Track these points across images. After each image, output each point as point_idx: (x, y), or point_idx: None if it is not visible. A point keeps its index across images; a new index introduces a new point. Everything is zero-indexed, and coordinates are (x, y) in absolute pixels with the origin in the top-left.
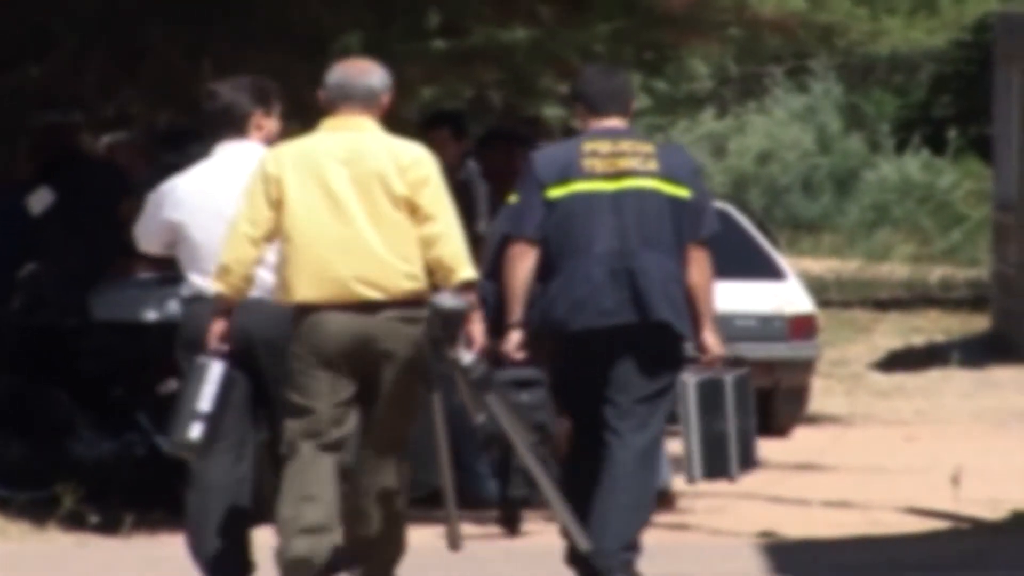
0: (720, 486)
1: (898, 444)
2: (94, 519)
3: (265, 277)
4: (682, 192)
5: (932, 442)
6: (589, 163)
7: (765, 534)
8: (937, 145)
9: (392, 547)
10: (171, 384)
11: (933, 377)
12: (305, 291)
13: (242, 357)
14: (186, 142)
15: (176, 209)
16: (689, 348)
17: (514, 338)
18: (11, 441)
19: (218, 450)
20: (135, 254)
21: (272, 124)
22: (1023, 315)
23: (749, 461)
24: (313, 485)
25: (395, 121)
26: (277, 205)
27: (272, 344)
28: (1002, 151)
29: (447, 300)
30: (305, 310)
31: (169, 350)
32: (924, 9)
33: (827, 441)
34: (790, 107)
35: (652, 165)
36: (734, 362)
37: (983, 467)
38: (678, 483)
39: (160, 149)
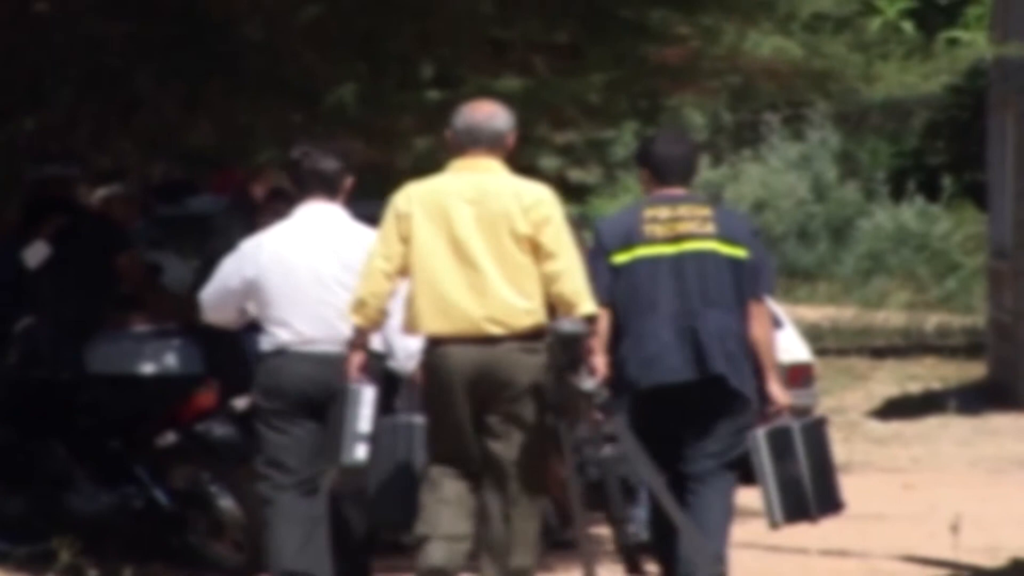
0: None
1: (896, 492)
2: (92, 572)
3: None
4: (740, 252)
5: (930, 490)
6: (650, 229)
7: None
8: (932, 192)
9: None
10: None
11: (930, 424)
12: (431, 324)
13: (322, 406)
14: (181, 194)
15: (257, 266)
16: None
17: (603, 394)
18: (8, 495)
19: (290, 488)
20: (131, 307)
21: (350, 186)
22: (1020, 362)
23: (829, 502)
24: (448, 495)
25: (389, 172)
26: (406, 240)
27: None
28: (996, 198)
29: (566, 324)
30: (433, 343)
31: (164, 402)
32: (918, 54)
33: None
34: (785, 155)
35: (710, 228)
36: (802, 412)
37: (981, 514)
38: None
39: (155, 201)
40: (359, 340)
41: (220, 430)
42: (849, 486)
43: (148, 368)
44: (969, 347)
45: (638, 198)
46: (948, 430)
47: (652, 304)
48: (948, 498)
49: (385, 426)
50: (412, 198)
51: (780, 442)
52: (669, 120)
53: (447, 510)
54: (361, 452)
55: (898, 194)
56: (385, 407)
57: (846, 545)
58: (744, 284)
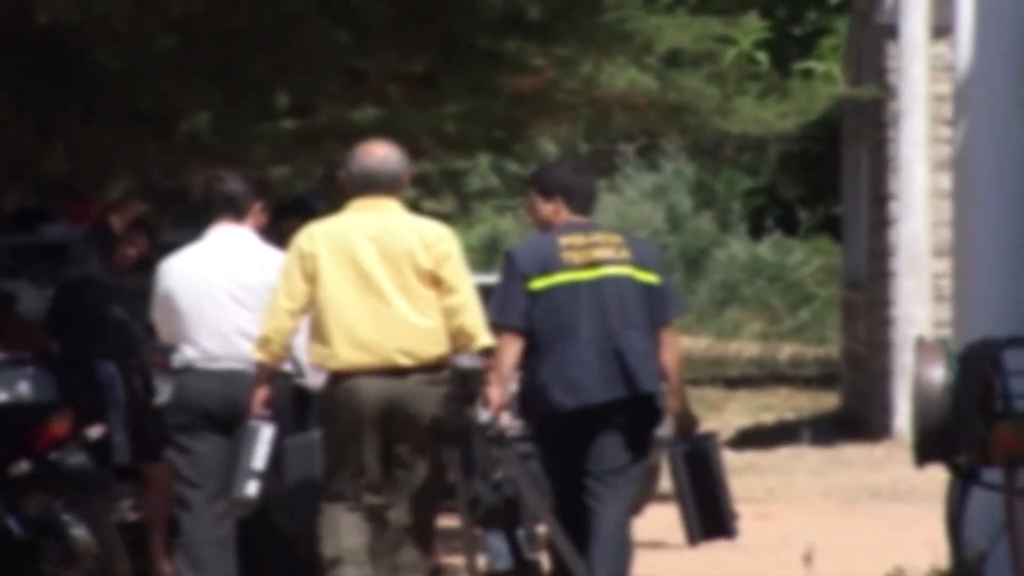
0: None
1: (750, 522)
2: None
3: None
4: (651, 278)
5: (784, 519)
6: (567, 256)
7: None
8: (789, 227)
9: None
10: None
11: (784, 455)
12: (345, 358)
13: (227, 423)
14: (35, 222)
15: (167, 285)
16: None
17: (505, 418)
18: None
19: (196, 505)
20: None
21: (262, 216)
22: (873, 393)
23: (731, 522)
24: (348, 549)
25: None
26: (312, 279)
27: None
28: (851, 229)
29: (466, 361)
30: (340, 376)
31: (17, 430)
32: (775, 92)
33: (678, 519)
34: (640, 186)
35: (624, 254)
36: (704, 435)
37: (835, 544)
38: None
39: (7, 229)
40: (263, 376)
41: (74, 458)
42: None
43: (1, 396)
44: (822, 377)
45: (494, 228)
46: (802, 460)
47: (573, 328)
48: (802, 528)
49: (298, 443)
50: (315, 237)
51: (698, 462)
52: (524, 150)
53: (349, 542)
54: (252, 488)
55: (757, 232)
56: (298, 423)
57: (700, 574)
58: (655, 309)
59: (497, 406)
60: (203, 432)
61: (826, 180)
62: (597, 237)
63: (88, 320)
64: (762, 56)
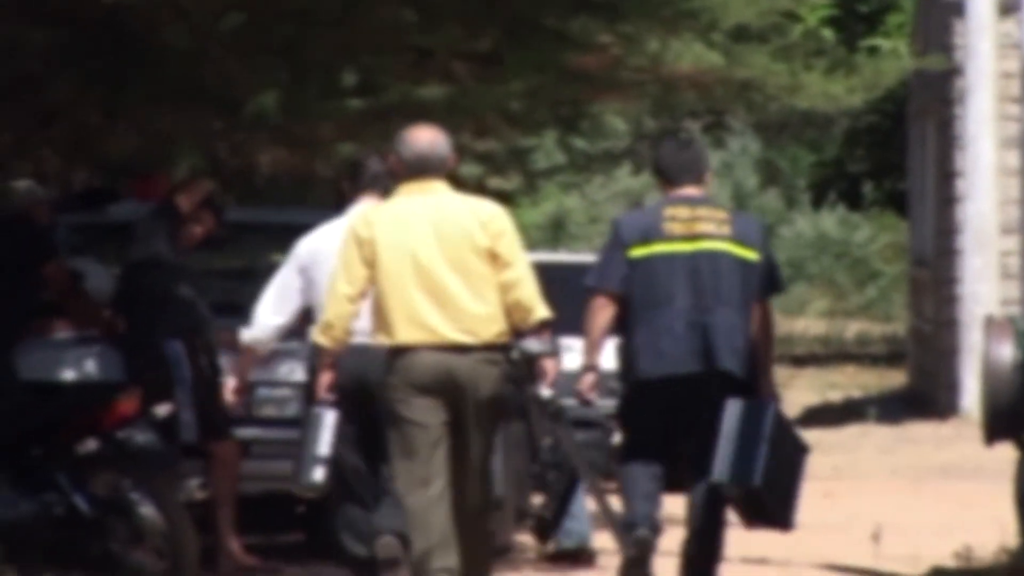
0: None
1: (817, 500)
2: None
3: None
4: (751, 255)
5: (851, 498)
6: (669, 227)
7: None
8: (853, 200)
9: (481, 565)
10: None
11: (851, 433)
12: (403, 336)
13: (355, 397)
14: (103, 201)
15: (303, 262)
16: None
17: (588, 380)
18: None
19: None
20: (53, 314)
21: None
22: (940, 371)
23: (779, 504)
24: (437, 533)
25: (311, 178)
26: (370, 264)
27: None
28: (917, 206)
29: (534, 345)
30: (401, 350)
31: (85, 409)
32: (842, 67)
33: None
34: None
35: (726, 230)
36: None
37: (902, 523)
38: (599, 541)
39: (75, 208)
40: (326, 361)
41: (141, 437)
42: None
43: (69, 375)
44: (889, 355)
45: (560, 205)
46: (868, 438)
47: (667, 298)
48: (869, 507)
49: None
50: (372, 223)
51: (753, 413)
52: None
53: (438, 509)
54: (319, 474)
55: (819, 203)
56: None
57: (766, 553)
58: (753, 285)
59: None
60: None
61: (892, 156)
62: (702, 211)
63: (155, 299)
64: (828, 33)
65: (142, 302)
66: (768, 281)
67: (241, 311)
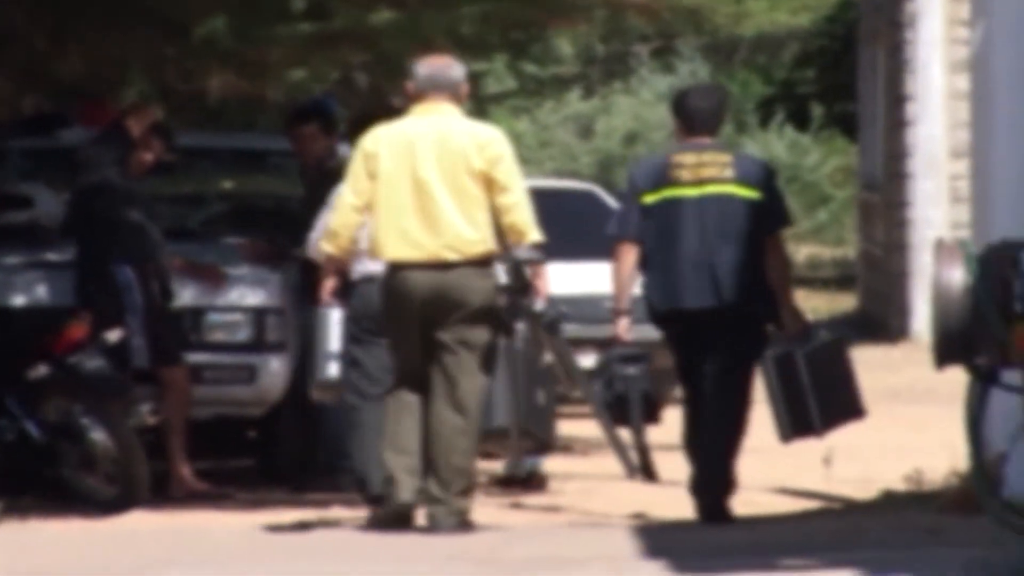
0: (590, 468)
1: (768, 424)
2: None
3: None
4: (755, 194)
5: None
6: (677, 173)
7: (637, 516)
8: (801, 121)
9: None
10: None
11: None
12: (392, 251)
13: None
14: (52, 126)
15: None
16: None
17: (622, 323)
18: None
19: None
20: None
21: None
22: (891, 294)
23: (840, 413)
24: (408, 402)
25: (261, 103)
26: (374, 177)
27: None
28: (867, 130)
29: (523, 252)
30: (393, 268)
31: (36, 334)
32: None
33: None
34: (656, 88)
35: (729, 173)
36: (820, 337)
37: (853, 446)
38: (549, 465)
39: (24, 134)
40: (331, 266)
41: (92, 363)
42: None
43: (19, 300)
44: (839, 279)
45: (510, 129)
46: None
47: (676, 240)
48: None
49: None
50: (379, 139)
51: (785, 366)
52: (541, 52)
53: (407, 420)
54: (334, 369)
55: (766, 122)
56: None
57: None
58: (758, 222)
59: (546, 294)
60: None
61: (842, 79)
62: (707, 156)
63: (105, 224)
64: None
65: (92, 228)
66: (774, 217)
67: (192, 236)
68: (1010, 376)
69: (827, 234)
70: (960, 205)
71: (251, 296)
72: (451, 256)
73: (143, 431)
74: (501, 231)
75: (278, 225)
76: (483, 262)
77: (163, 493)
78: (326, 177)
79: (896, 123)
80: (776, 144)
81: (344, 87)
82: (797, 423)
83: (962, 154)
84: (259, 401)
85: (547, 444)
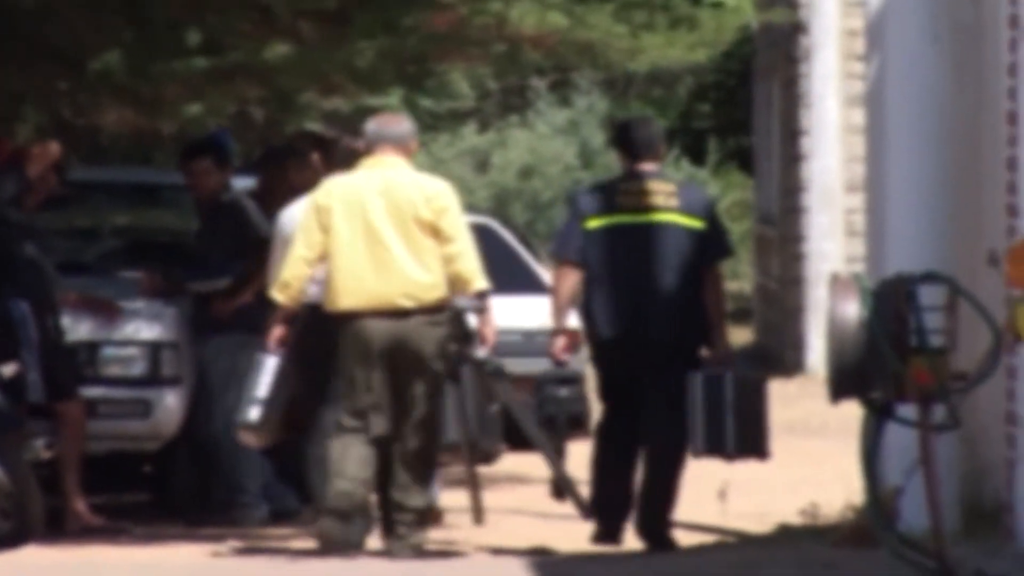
0: (487, 501)
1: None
2: None
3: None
4: (698, 224)
5: None
6: (622, 200)
7: (537, 551)
8: (697, 155)
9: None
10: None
11: None
12: (347, 301)
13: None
14: None
15: (290, 231)
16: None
17: (559, 342)
18: None
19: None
20: None
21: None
22: (786, 328)
23: (750, 448)
24: (352, 467)
25: (156, 138)
26: (326, 229)
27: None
28: (763, 164)
29: (463, 301)
30: (349, 316)
31: None
32: (684, 24)
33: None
34: (552, 121)
35: (673, 202)
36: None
37: (749, 480)
38: (445, 499)
39: None
40: (280, 316)
41: None
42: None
43: None
44: (736, 312)
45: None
46: None
47: (618, 266)
48: (715, 464)
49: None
50: (332, 193)
51: (713, 386)
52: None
53: (352, 464)
54: (254, 414)
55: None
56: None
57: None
58: (699, 252)
59: (492, 343)
60: None
61: (737, 113)
62: (653, 185)
63: (0, 259)
64: None
65: None
66: (714, 248)
67: (87, 270)
68: (905, 410)
69: (723, 268)
70: (855, 239)
71: (146, 330)
72: (407, 304)
73: (38, 465)
74: (448, 280)
75: (173, 259)
76: (437, 309)
77: (58, 528)
78: (220, 211)
79: (791, 157)
80: (673, 175)
81: (240, 122)
82: (712, 441)
83: (857, 188)
84: (154, 435)
85: (491, 456)
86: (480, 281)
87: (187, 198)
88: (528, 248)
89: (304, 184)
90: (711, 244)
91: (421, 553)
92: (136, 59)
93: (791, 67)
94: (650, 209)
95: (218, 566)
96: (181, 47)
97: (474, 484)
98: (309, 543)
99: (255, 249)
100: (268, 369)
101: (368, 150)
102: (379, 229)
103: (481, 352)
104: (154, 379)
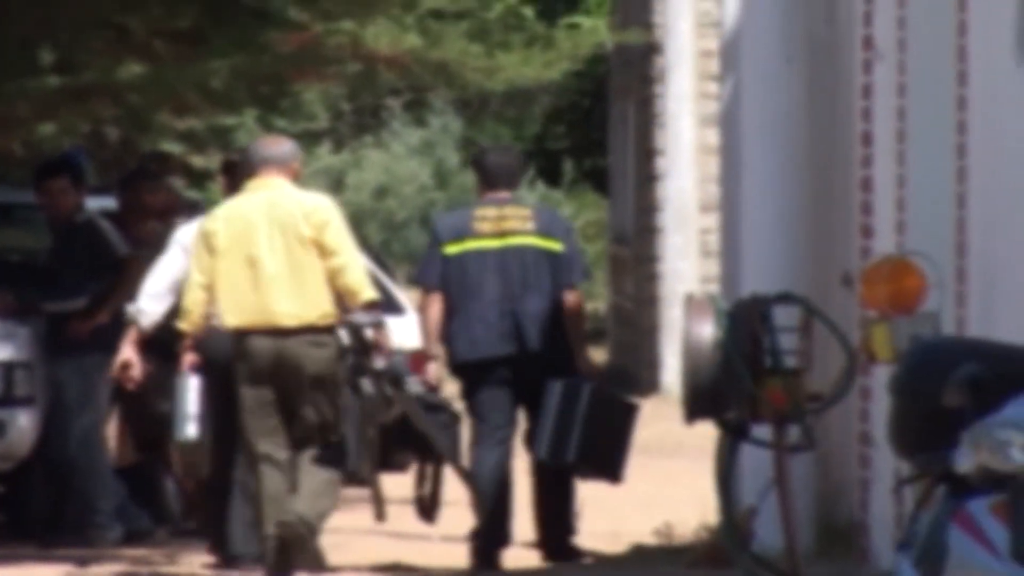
0: (341, 521)
1: (520, 478)
2: None
3: None
4: (555, 246)
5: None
6: (479, 225)
7: (390, 569)
8: (552, 177)
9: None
10: None
11: None
12: (234, 319)
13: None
14: None
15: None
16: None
17: (431, 368)
18: None
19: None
20: None
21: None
22: (641, 348)
23: (600, 466)
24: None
25: (8, 157)
26: (214, 253)
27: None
28: (617, 184)
29: (361, 317)
30: (239, 334)
31: None
32: (540, 42)
33: (449, 476)
34: (407, 141)
35: (530, 225)
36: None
37: (603, 500)
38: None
39: None
40: (187, 343)
41: None
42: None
43: None
44: (590, 333)
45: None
46: None
47: (479, 290)
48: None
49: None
50: (218, 217)
51: (570, 392)
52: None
53: (274, 476)
54: (192, 430)
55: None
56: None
57: (465, 530)
58: (558, 273)
59: (389, 352)
60: None
61: (592, 134)
62: (508, 210)
63: None
64: (528, 11)
65: None
66: (571, 270)
67: None
68: (760, 431)
69: (578, 288)
70: (710, 259)
71: (3, 350)
72: (288, 323)
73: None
74: (336, 293)
75: (26, 279)
76: (322, 329)
77: None
78: (75, 231)
79: (646, 177)
80: (527, 199)
81: (94, 141)
82: (555, 446)
83: (712, 208)
84: (7, 456)
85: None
86: (367, 291)
87: (39, 217)
88: (384, 269)
89: (159, 205)
90: (569, 267)
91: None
92: None
93: (646, 87)
94: (508, 233)
95: None
96: (34, 66)
97: (373, 483)
98: (164, 564)
99: (111, 269)
100: (192, 386)
101: (250, 172)
102: (258, 255)
103: (380, 362)
104: (7, 399)
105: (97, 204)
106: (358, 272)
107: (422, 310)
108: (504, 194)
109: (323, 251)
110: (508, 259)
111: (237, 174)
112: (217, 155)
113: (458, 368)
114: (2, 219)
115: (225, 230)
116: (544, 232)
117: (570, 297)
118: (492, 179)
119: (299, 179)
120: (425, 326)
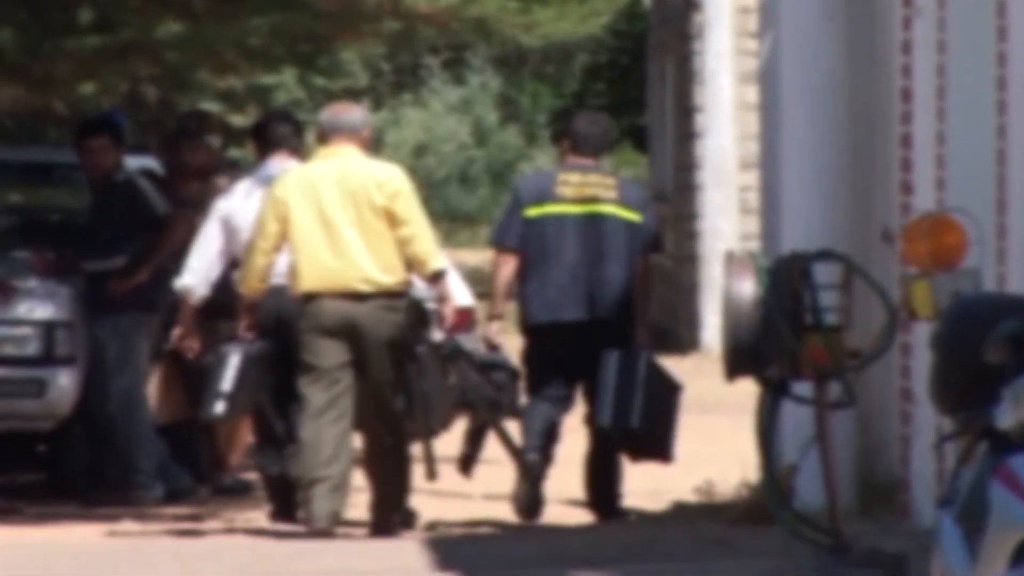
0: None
1: (560, 436)
2: None
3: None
4: (634, 217)
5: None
6: (561, 190)
7: (431, 527)
8: None
9: (399, 485)
10: None
11: None
12: (309, 284)
13: (273, 332)
14: None
15: (226, 217)
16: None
17: (494, 327)
18: None
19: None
20: None
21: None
22: (681, 306)
23: (656, 441)
24: (323, 455)
25: (48, 116)
26: (283, 221)
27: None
28: (656, 142)
29: (420, 291)
30: (309, 297)
31: None
32: None
33: (488, 434)
34: (446, 100)
35: (612, 194)
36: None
37: None
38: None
39: None
40: (245, 305)
41: None
42: (512, 431)
43: None
44: None
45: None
46: None
47: (557, 254)
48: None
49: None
50: (288, 184)
51: (627, 362)
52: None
53: (328, 434)
54: (220, 408)
55: (558, 137)
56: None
57: (508, 489)
58: (635, 243)
59: (449, 324)
60: None
61: (632, 91)
62: (592, 177)
63: None
64: None
65: None
66: (649, 240)
67: None
68: (800, 388)
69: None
70: (749, 217)
71: (40, 309)
72: (364, 288)
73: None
74: (405, 262)
75: (65, 238)
76: (395, 294)
77: None
78: (114, 190)
79: (685, 135)
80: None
81: (132, 101)
82: (619, 412)
83: (751, 166)
84: (48, 415)
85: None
86: (436, 261)
87: (79, 177)
88: None
89: (200, 165)
90: (646, 237)
91: (336, 522)
92: (28, 37)
93: (684, 45)
94: (589, 200)
95: (113, 545)
96: (73, 25)
97: (427, 443)
98: (203, 522)
99: (150, 228)
100: (232, 364)
101: (321, 138)
102: (334, 217)
103: (438, 335)
104: (48, 359)
105: (135, 164)
106: (428, 242)
107: (495, 269)
108: (589, 161)
109: (394, 220)
110: (588, 226)
111: (266, 136)
112: (256, 114)
113: (530, 329)
114: (42, 179)
115: (297, 198)
116: (625, 202)
117: (643, 267)
118: (579, 145)
119: (367, 145)
120: (496, 285)
